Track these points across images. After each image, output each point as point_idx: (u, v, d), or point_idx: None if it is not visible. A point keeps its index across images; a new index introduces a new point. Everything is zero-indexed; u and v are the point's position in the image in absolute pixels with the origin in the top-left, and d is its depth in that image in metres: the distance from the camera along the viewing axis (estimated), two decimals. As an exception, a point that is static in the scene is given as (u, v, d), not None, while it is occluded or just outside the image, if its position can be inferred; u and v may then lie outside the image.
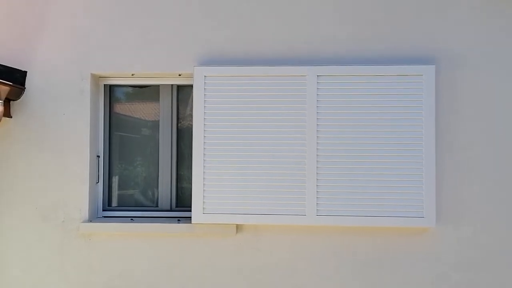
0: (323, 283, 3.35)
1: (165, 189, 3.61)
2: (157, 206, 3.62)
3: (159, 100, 3.64)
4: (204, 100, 3.29)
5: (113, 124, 3.68)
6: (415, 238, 3.32)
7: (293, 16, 3.40)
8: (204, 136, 3.28)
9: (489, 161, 3.31)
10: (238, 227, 3.37)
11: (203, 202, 3.27)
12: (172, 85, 3.61)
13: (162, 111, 3.62)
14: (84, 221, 3.42)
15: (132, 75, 3.53)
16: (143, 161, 3.69)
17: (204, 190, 3.27)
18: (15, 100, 3.44)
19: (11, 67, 3.38)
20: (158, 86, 3.63)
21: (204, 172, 3.27)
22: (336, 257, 3.36)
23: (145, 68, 3.46)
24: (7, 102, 3.35)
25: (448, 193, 3.30)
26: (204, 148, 3.28)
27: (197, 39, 3.43)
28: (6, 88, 3.23)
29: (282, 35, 3.40)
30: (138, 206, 3.66)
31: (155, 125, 3.66)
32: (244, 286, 3.38)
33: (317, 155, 3.24)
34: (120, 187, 3.70)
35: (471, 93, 3.32)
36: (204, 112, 3.29)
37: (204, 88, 3.29)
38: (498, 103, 3.31)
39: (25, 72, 3.46)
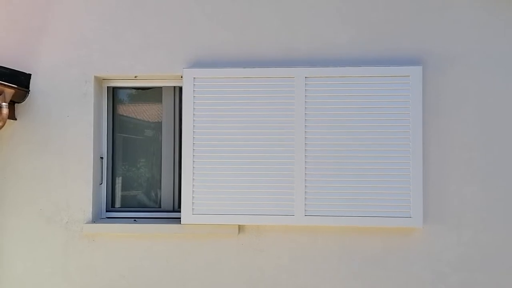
0: (325, 283, 3.36)
1: (168, 190, 3.63)
2: (160, 207, 3.65)
3: (161, 101, 3.66)
4: (194, 102, 3.33)
5: (116, 126, 3.71)
6: (413, 237, 3.32)
7: (292, 19, 3.42)
8: (194, 138, 3.32)
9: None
10: (241, 228, 3.38)
11: (192, 203, 3.30)
12: (174, 86, 3.64)
13: (164, 113, 3.65)
14: (88, 222, 3.45)
15: (135, 77, 3.56)
16: (146, 162, 3.72)
17: (193, 191, 3.30)
18: (20, 102, 3.49)
19: (15, 70, 3.42)
20: (160, 88, 3.66)
21: (193, 173, 3.30)
22: (338, 256, 3.36)
23: (148, 70, 3.49)
24: (11, 104, 3.39)
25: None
26: (193, 149, 3.31)
27: (199, 41, 3.45)
28: (11, 91, 3.28)
29: (283, 37, 3.42)
30: (141, 207, 3.69)
31: (157, 127, 3.69)
32: (247, 286, 3.39)
33: (305, 155, 3.26)
34: (123, 188, 3.73)
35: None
36: (194, 114, 3.32)
37: (194, 90, 3.33)
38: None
39: (29, 75, 3.51)
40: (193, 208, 3.30)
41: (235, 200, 3.29)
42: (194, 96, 3.33)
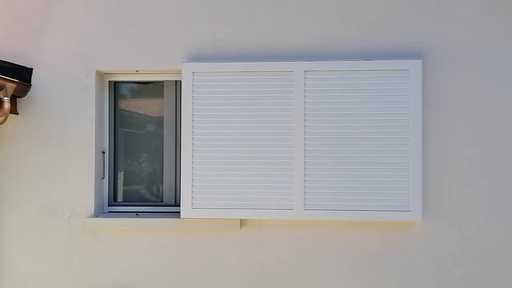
0: (325, 278, 3.37)
1: (170, 184, 3.63)
2: (162, 201, 3.65)
3: (163, 96, 3.66)
4: (193, 96, 3.32)
5: (118, 120, 3.71)
6: (415, 232, 3.32)
7: (293, 13, 3.41)
8: (193, 132, 3.32)
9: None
10: (243, 222, 3.39)
11: (192, 197, 3.31)
12: (176, 81, 3.63)
13: (166, 107, 3.65)
14: (90, 216, 3.46)
15: (137, 71, 3.56)
16: (147, 156, 3.72)
17: (192, 185, 3.31)
18: (21, 97, 3.48)
19: (17, 65, 3.42)
20: (162, 82, 3.66)
21: (192, 167, 3.31)
22: (339, 251, 3.37)
23: (149, 64, 3.48)
24: (13, 99, 3.39)
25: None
26: (192, 143, 3.32)
27: (200, 36, 3.44)
28: (12, 85, 3.28)
29: (283, 37, 3.41)
30: (143, 201, 3.70)
31: (159, 121, 3.69)
32: (248, 281, 3.41)
33: (304, 149, 3.26)
34: (125, 183, 3.73)
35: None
36: (193, 108, 3.32)
37: (193, 84, 3.33)
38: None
39: (31, 69, 3.50)
40: (192, 202, 3.31)
41: (234, 194, 3.29)
42: (193, 90, 3.33)
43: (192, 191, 3.31)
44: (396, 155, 3.23)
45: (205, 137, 3.32)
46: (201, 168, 3.32)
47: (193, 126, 3.32)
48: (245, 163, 3.30)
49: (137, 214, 3.56)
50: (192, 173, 3.31)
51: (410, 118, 3.22)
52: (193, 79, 3.33)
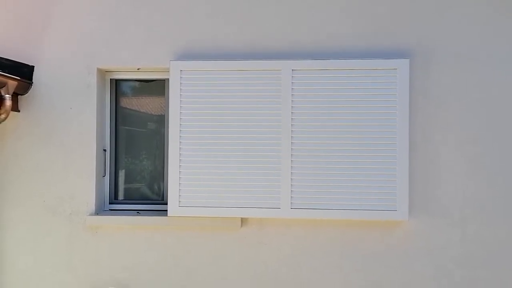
0: (327, 277, 3.37)
1: (171, 182, 3.63)
2: (163, 200, 3.65)
3: (164, 94, 3.65)
4: (180, 94, 3.32)
5: (120, 118, 3.71)
6: (412, 230, 3.32)
7: (291, 13, 3.40)
8: (180, 130, 3.32)
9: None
10: (243, 221, 3.39)
11: (179, 195, 3.31)
12: (177, 79, 3.62)
13: (167, 105, 3.64)
14: (91, 214, 3.46)
15: (138, 69, 3.55)
16: (149, 154, 3.72)
17: (180, 183, 3.32)
18: (23, 94, 3.49)
19: (18, 62, 3.42)
20: (163, 80, 3.65)
21: (180, 165, 3.31)
22: (339, 250, 3.37)
23: (151, 62, 3.47)
24: (15, 96, 3.39)
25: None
26: (180, 142, 3.32)
27: (202, 34, 3.44)
28: (14, 83, 3.28)
29: (287, 31, 3.40)
30: (144, 199, 3.70)
31: (160, 119, 3.68)
32: (249, 279, 3.40)
33: (291, 148, 3.25)
34: (126, 181, 3.73)
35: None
36: (180, 106, 3.32)
37: (180, 83, 3.33)
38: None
39: (33, 67, 3.50)
40: (179, 201, 3.32)
41: (221, 192, 3.30)
42: (181, 89, 3.33)
43: (180, 189, 3.32)
44: (383, 155, 3.22)
45: (192, 135, 3.32)
46: (188, 167, 3.32)
47: (180, 124, 3.32)
48: (232, 161, 3.29)
49: (138, 212, 3.56)
50: (180, 171, 3.31)
51: (397, 117, 3.21)
52: (181, 77, 3.33)
